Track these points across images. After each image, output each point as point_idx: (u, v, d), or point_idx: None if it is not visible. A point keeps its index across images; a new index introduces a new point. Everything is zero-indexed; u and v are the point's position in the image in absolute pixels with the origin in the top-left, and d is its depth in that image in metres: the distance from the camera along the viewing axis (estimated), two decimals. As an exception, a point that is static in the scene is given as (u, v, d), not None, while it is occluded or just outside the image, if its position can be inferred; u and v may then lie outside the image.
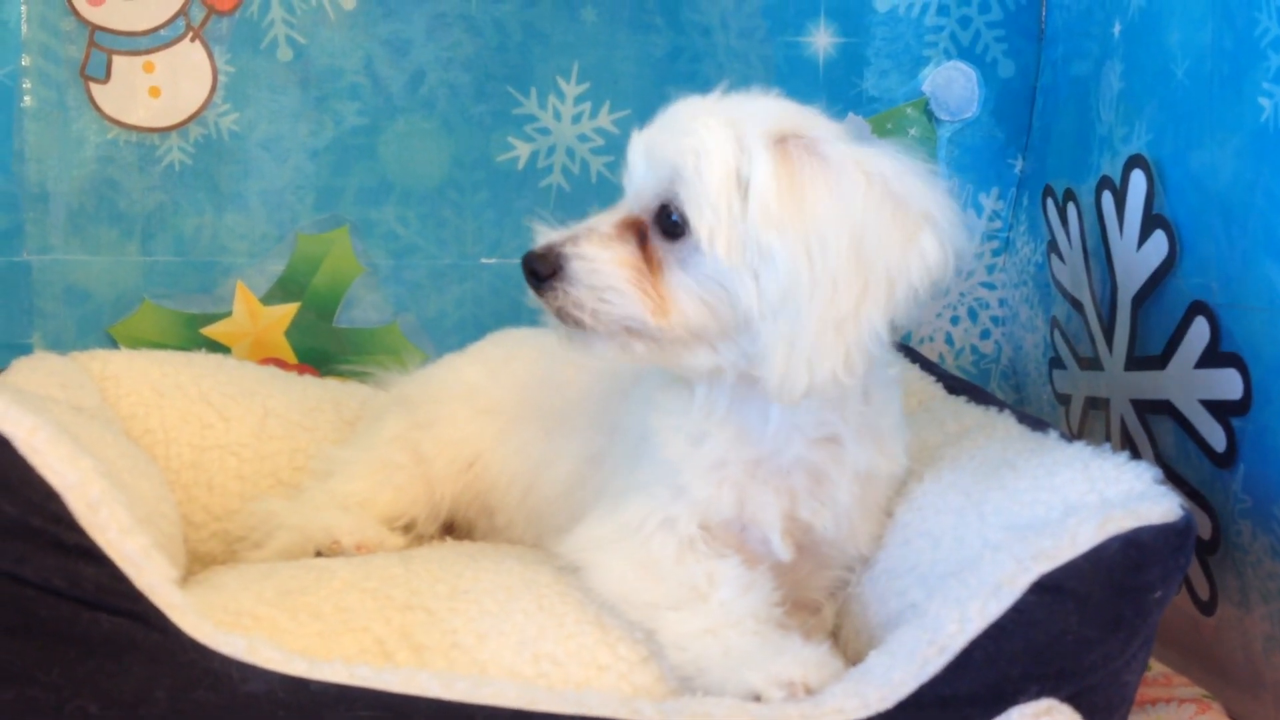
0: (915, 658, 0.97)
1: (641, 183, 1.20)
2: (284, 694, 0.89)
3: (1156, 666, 1.52)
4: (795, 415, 1.21)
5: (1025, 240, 1.97)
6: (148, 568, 0.92)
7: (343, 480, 1.51)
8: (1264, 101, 1.23)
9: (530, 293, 1.20)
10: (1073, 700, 0.95)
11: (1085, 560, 0.97)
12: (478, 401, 1.56)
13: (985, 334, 2.08)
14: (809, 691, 1.03)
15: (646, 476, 1.27)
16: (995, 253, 2.05)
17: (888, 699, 0.96)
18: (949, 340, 2.07)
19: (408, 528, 1.51)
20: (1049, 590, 0.96)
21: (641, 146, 1.22)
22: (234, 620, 1.09)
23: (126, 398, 1.61)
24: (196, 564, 1.51)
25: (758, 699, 1.03)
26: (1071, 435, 1.75)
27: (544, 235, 1.21)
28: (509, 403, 1.54)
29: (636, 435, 1.30)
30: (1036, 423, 1.35)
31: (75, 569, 0.90)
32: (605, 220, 1.21)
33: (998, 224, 2.04)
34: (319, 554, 1.36)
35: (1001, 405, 1.43)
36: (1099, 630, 0.96)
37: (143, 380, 1.64)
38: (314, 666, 0.91)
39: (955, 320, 2.06)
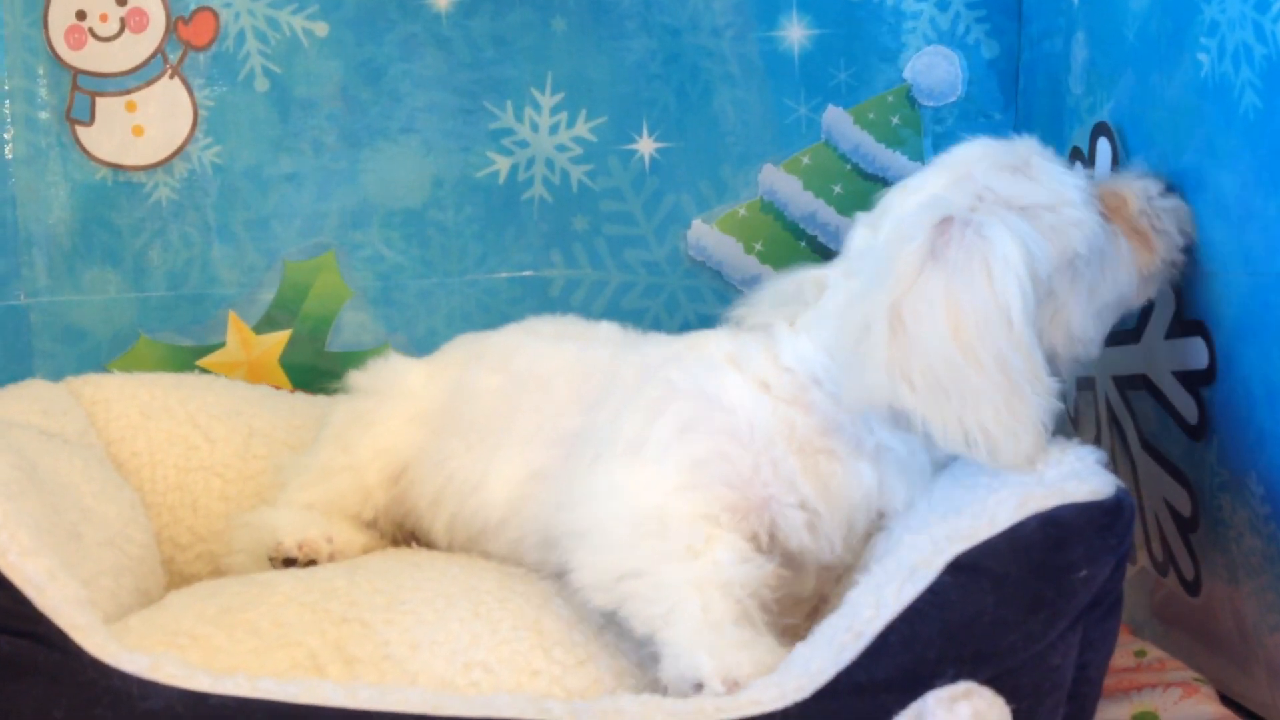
0: (833, 645, 0.94)
1: None
2: (182, 709, 0.88)
3: (1153, 651, 1.47)
4: None
5: (1019, 223, 1.93)
6: (50, 589, 0.93)
7: (296, 490, 1.51)
8: (1202, 56, 1.19)
9: None
10: (993, 683, 0.91)
11: (1002, 539, 0.93)
12: (412, 405, 1.53)
13: (987, 321, 2.03)
14: None
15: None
16: (992, 237, 2.00)
17: (805, 689, 0.93)
18: (949, 330, 2.02)
19: (372, 524, 1.50)
20: (964, 570, 0.93)
21: None
22: (170, 639, 1.10)
23: (115, 421, 1.65)
24: (185, 585, 1.51)
25: (699, 687, 1.01)
26: (1070, 419, 1.71)
27: None
28: (434, 411, 1.51)
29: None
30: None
31: (-26, 593, 0.91)
32: None
33: (992, 208, 1.99)
34: (271, 559, 1.36)
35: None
36: (1018, 611, 0.92)
37: (131, 403, 1.67)
38: (216, 681, 0.91)
39: (954, 309, 2.02)
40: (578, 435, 1.35)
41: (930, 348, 1.08)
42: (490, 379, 1.47)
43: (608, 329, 1.55)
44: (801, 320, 1.26)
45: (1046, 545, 0.93)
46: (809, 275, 1.31)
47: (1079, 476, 0.99)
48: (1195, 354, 1.28)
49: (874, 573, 0.99)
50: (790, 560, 1.21)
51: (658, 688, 1.07)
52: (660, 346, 1.38)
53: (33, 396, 1.55)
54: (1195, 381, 1.29)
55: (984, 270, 1.10)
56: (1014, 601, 0.92)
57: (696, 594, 1.08)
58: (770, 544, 1.20)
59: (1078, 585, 0.94)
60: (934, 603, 0.92)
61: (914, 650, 0.91)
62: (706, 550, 1.12)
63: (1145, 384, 1.39)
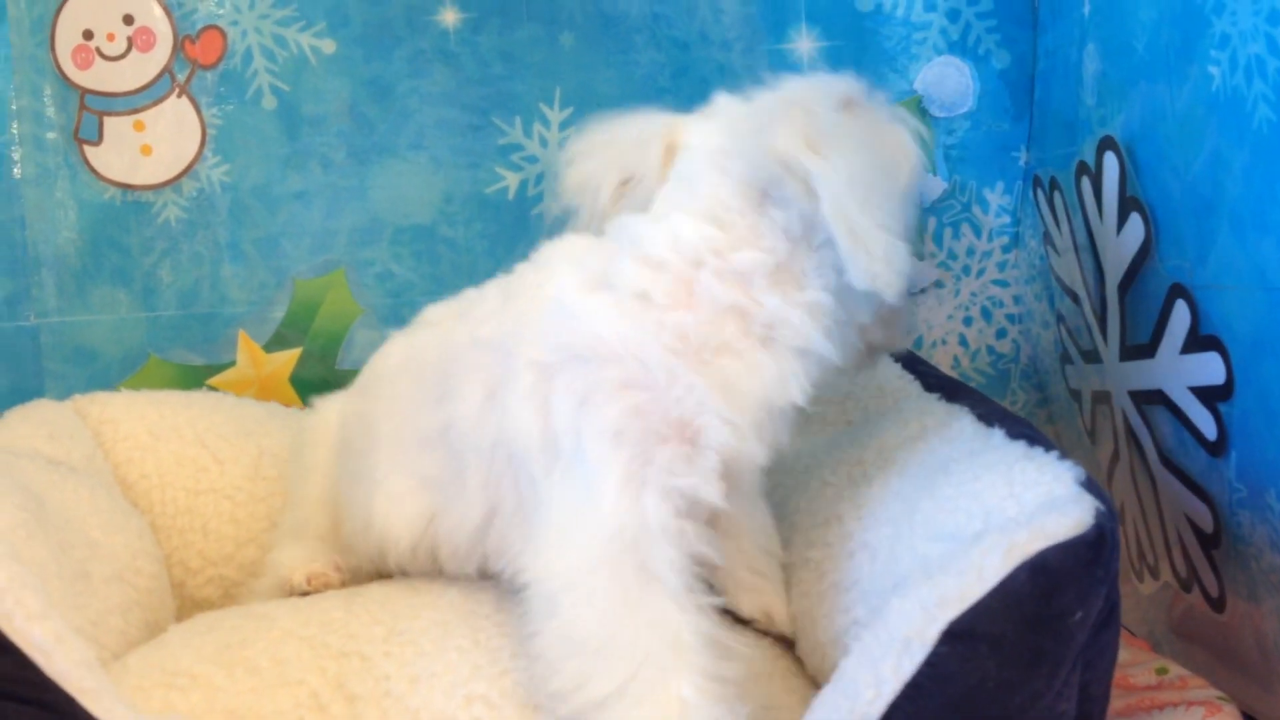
0: (839, 732, 0.91)
1: None
2: (187, 767, 0.87)
3: (1175, 669, 1.44)
4: None
5: (1033, 234, 1.90)
6: (58, 654, 0.90)
7: (290, 514, 1.49)
8: (1213, 70, 1.17)
9: None
10: (1004, 747, 0.88)
11: (993, 598, 0.89)
12: (331, 441, 1.47)
13: (1001, 333, 2.00)
14: None
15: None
16: (1005, 249, 1.98)
17: (818, 782, 0.90)
18: (963, 342, 2.00)
19: None
20: (960, 638, 0.89)
21: None
22: (170, 680, 1.07)
23: (123, 442, 1.62)
24: (196, 610, 1.49)
25: None
26: (1087, 432, 1.68)
27: None
28: (334, 445, 1.46)
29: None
30: (990, 419, 1.28)
31: (-20, 660, 0.89)
32: None
33: (1005, 219, 1.97)
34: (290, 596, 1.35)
35: (965, 401, 1.36)
36: (1020, 671, 0.89)
37: (140, 423, 1.64)
38: (222, 741, 0.89)
39: (968, 321, 2.00)
40: (446, 434, 1.21)
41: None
42: (354, 400, 1.42)
43: (440, 310, 1.40)
44: (661, 200, 1.13)
45: (1037, 596, 0.89)
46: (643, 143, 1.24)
47: (1059, 508, 0.94)
48: (1212, 369, 1.25)
49: (866, 642, 0.95)
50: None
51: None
52: (493, 306, 1.22)
53: (39, 419, 1.53)
54: (1213, 397, 1.26)
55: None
56: (1014, 662, 0.89)
57: None
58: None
59: (1074, 629, 0.91)
60: (933, 676, 0.89)
61: (922, 730, 0.88)
62: (672, 679, 0.99)
63: (1162, 399, 1.37)
